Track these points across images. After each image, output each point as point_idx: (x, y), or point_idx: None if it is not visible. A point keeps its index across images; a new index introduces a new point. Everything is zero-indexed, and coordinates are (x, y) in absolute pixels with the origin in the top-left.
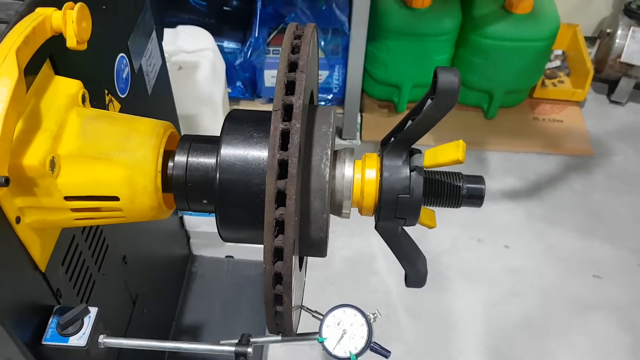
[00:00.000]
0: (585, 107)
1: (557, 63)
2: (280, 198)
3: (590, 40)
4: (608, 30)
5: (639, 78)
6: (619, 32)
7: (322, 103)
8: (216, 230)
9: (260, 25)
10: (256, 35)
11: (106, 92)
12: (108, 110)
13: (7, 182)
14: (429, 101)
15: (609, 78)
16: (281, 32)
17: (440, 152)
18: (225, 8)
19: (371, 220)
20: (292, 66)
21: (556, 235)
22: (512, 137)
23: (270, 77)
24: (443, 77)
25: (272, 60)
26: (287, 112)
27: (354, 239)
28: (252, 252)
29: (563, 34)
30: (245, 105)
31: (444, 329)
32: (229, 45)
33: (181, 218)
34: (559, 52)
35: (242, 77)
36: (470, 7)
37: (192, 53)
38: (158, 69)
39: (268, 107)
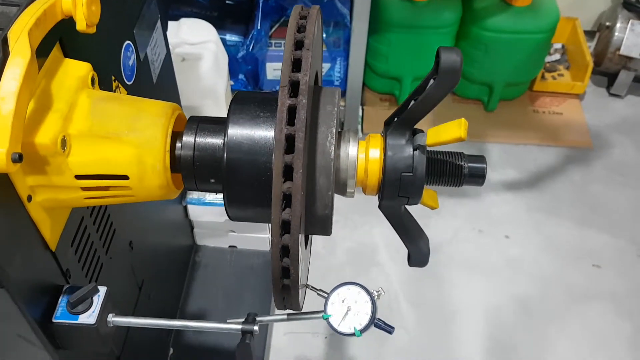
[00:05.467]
0: (584, 100)
1: (557, 56)
2: (288, 172)
3: (589, 34)
4: (607, 24)
5: (638, 71)
6: (618, 25)
7: None
8: (219, 220)
9: (263, 19)
10: (258, 27)
11: (113, 78)
12: None
13: (20, 158)
14: (432, 81)
15: (608, 71)
16: (283, 25)
17: (443, 131)
18: (227, 1)
19: (374, 212)
20: (298, 44)
21: (555, 225)
22: (512, 130)
23: (272, 70)
24: (445, 56)
25: (274, 53)
26: (294, 88)
27: (356, 230)
28: (255, 242)
29: (563, 28)
30: None
31: (444, 318)
32: (231, 38)
33: (185, 208)
34: (558, 45)
35: (244, 70)
36: (470, 0)
37: (195, 45)
38: (163, 58)
39: None
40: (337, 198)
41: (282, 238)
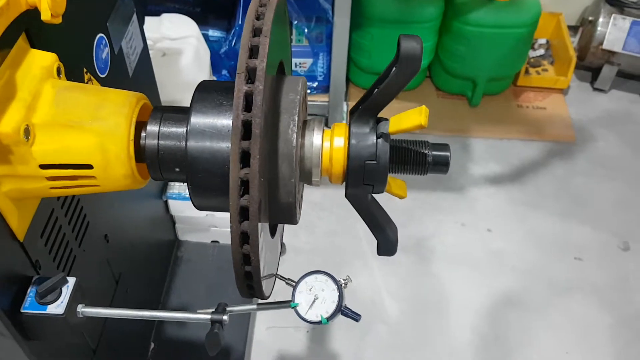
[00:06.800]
0: (568, 95)
1: (541, 52)
2: (245, 158)
3: (573, 29)
4: (590, 18)
5: (621, 65)
6: (601, 19)
7: (308, 91)
8: (201, 215)
9: (244, 14)
10: (240, 23)
11: (85, 70)
12: None
13: None
14: (394, 69)
15: (591, 66)
16: None
17: (404, 118)
18: None
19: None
20: (257, 32)
21: (538, 218)
22: (496, 124)
23: None
24: (405, 44)
25: None
26: (251, 75)
27: (339, 224)
28: None
29: (547, 23)
30: None
31: (427, 311)
32: (214, 33)
33: (166, 202)
34: (543, 40)
35: (227, 66)
36: None
37: (175, 40)
38: (139, 52)
39: None
40: (321, 192)
41: (241, 225)
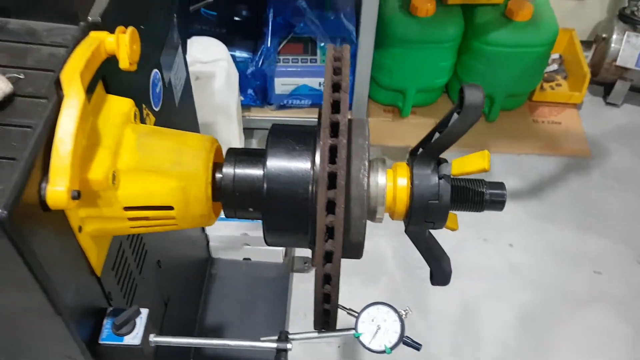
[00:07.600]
0: (582, 110)
1: (555, 67)
2: (330, 206)
3: (585, 44)
4: (603, 35)
5: (634, 81)
6: (614, 36)
7: None
8: (234, 234)
9: (273, 35)
10: (268, 44)
11: (144, 106)
12: (145, 123)
13: (79, 195)
14: (455, 115)
15: (604, 81)
16: (291, 42)
17: (467, 162)
18: (235, 18)
19: (380, 224)
20: (336, 87)
21: (556, 232)
22: (513, 140)
23: (281, 85)
24: (469, 93)
25: (282, 69)
26: (334, 129)
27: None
28: (269, 254)
29: (560, 39)
30: (256, 112)
31: (451, 325)
32: (240, 54)
33: None
34: (556, 56)
35: (253, 85)
36: (472, 15)
37: (207, 63)
38: (183, 82)
39: (278, 114)
40: None
41: (324, 267)
